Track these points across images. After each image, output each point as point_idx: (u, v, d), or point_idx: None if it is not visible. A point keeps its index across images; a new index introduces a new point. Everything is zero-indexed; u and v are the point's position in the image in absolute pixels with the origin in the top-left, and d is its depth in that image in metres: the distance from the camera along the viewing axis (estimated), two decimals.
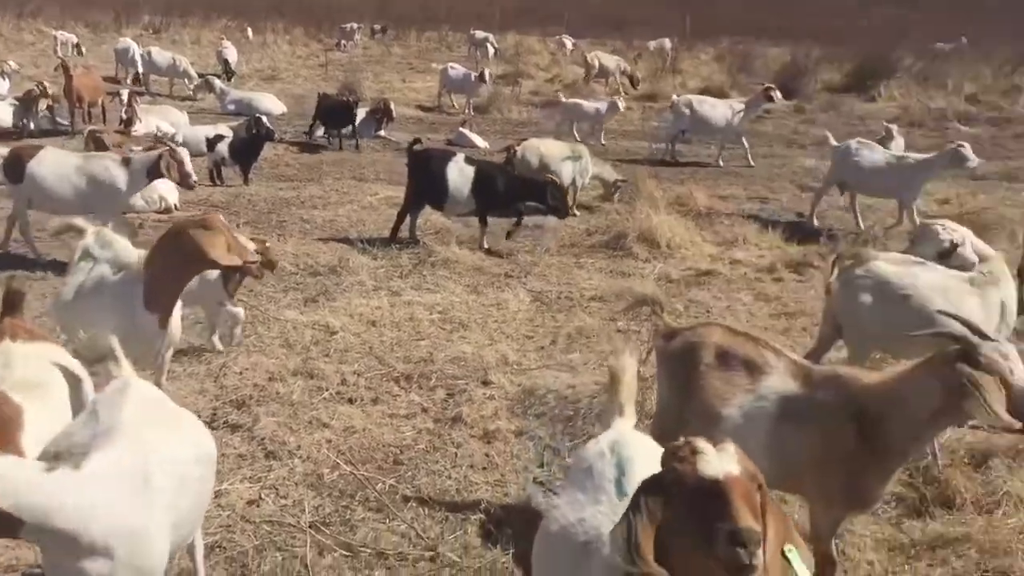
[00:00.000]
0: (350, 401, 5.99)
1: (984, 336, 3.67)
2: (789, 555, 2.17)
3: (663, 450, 2.28)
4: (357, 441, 5.49)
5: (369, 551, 4.42)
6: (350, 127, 15.25)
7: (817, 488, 3.89)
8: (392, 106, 16.33)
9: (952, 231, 6.26)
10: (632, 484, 2.68)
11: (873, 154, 10.69)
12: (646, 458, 2.83)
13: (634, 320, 7.49)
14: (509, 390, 6.20)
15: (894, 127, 13.30)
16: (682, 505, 2.10)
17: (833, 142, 11.22)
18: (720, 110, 15.17)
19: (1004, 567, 4.36)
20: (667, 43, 31.50)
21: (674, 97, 16.06)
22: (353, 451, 5.36)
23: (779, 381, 3.98)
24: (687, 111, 15.00)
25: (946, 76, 26.98)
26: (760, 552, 1.96)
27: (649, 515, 2.12)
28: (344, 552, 4.41)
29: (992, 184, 13.93)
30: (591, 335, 7.30)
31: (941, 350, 3.64)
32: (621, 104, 16.68)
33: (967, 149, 10.23)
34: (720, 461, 2.12)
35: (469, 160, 10.00)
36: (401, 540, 4.53)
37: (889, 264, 5.64)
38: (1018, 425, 3.39)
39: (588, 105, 16.79)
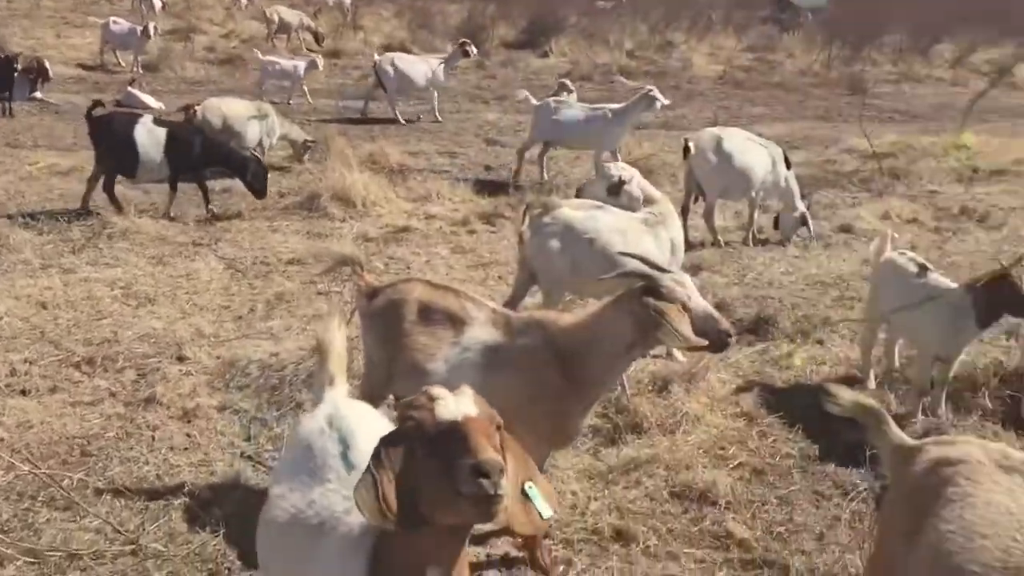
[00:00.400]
0: (23, 393, 5.42)
1: (662, 270, 3.99)
2: (529, 491, 2.21)
3: (400, 404, 2.26)
4: (35, 436, 4.97)
5: (59, 554, 4.01)
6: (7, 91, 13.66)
7: (526, 429, 4.02)
8: (48, 65, 14.82)
9: (622, 169, 6.70)
10: (359, 456, 2.63)
11: (572, 110, 11.22)
12: (367, 426, 2.79)
13: (335, 281, 7.39)
14: (208, 364, 5.89)
15: (567, 81, 14.03)
16: (425, 452, 2.08)
17: (533, 101, 11.60)
18: (421, 67, 15.22)
19: (688, 480, 4.80)
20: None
21: (376, 56, 15.82)
22: (31, 448, 4.85)
23: (481, 331, 4.08)
24: (391, 69, 14.87)
25: (608, 33, 28.91)
26: (504, 481, 1.97)
27: (392, 467, 2.09)
28: (29, 559, 3.98)
29: (652, 133, 15.13)
30: (291, 300, 7.11)
31: (628, 288, 3.90)
32: (320, 62, 16.29)
33: (656, 91, 11.01)
34: (457, 404, 2.13)
35: (159, 122, 9.32)
36: (96, 537, 4.16)
37: (573, 210, 5.96)
38: (704, 342, 3.75)
39: (286, 63, 16.22)
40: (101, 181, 9.14)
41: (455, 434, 2.05)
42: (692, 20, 33.36)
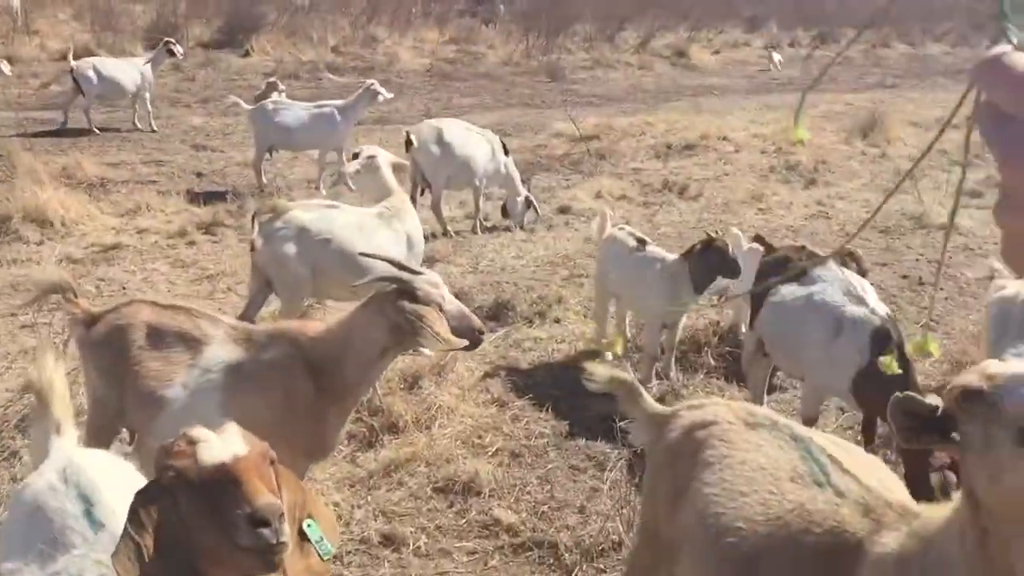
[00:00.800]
0: None
1: (414, 272, 3.90)
2: (308, 530, 2.06)
3: (158, 451, 2.01)
4: None
5: None
6: None
7: (282, 446, 3.78)
8: None
9: (372, 151, 6.52)
10: (107, 512, 2.36)
11: (293, 111, 10.78)
12: (109, 476, 2.50)
13: (41, 312, 6.64)
14: None
15: (276, 80, 13.57)
16: (192, 504, 1.86)
17: (244, 106, 11.02)
18: (127, 70, 13.98)
19: (450, 473, 4.79)
20: (15, 1, 28.17)
21: (72, 62, 14.30)
22: None
23: (221, 350, 3.80)
24: (93, 74, 13.52)
25: (309, 29, 28.34)
26: (285, 527, 1.82)
27: (152, 528, 1.85)
28: None
29: (368, 128, 14.96)
30: None
31: (379, 292, 3.78)
32: (6, 68, 14.61)
33: (377, 85, 10.85)
34: (224, 444, 1.93)
35: None
36: None
37: (305, 212, 5.75)
38: (463, 342, 3.71)
39: None
40: None
41: (224, 479, 1.87)
42: (393, 14, 33.48)
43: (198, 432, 1.98)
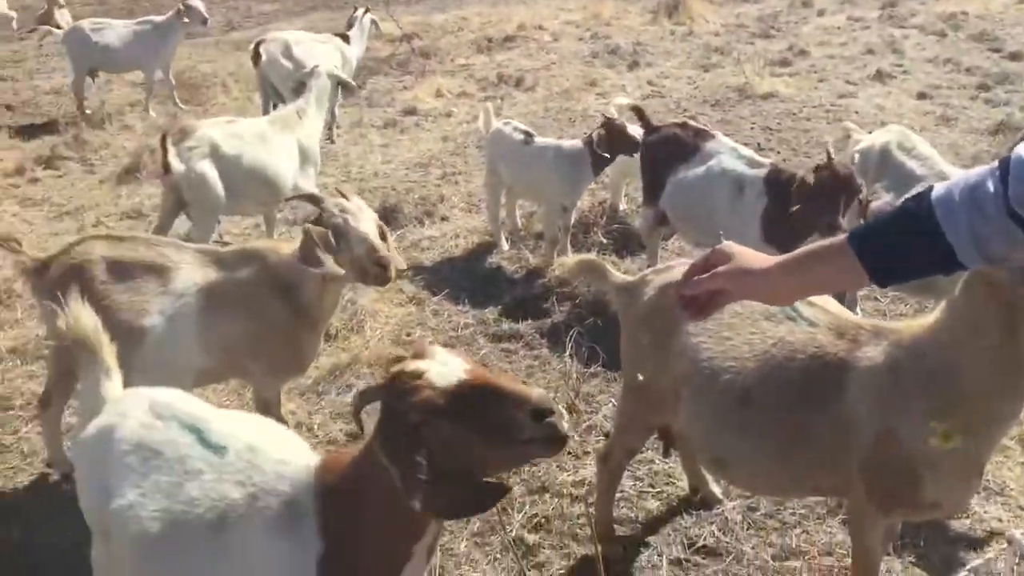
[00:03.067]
0: None
1: (321, 199, 3.90)
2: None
3: (384, 396, 2.00)
4: None
5: None
6: None
7: (261, 364, 3.96)
8: None
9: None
10: (222, 436, 2.43)
11: (113, 30, 10.13)
12: (197, 406, 2.57)
13: None
14: None
15: None
16: (457, 426, 1.92)
17: (57, 31, 10.20)
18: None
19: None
20: None
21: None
22: None
23: (193, 273, 3.86)
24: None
25: None
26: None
27: (424, 461, 1.94)
28: None
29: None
30: None
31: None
32: None
33: (195, 1, 10.33)
34: (444, 361, 1.98)
35: None
36: None
37: (213, 128, 5.83)
38: (339, 271, 3.67)
39: None
40: None
41: (478, 392, 1.93)
42: None
43: (409, 365, 1.99)
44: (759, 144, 8.31)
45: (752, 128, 8.94)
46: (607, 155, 5.84)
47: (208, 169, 5.63)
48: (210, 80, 11.69)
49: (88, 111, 10.21)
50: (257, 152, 5.75)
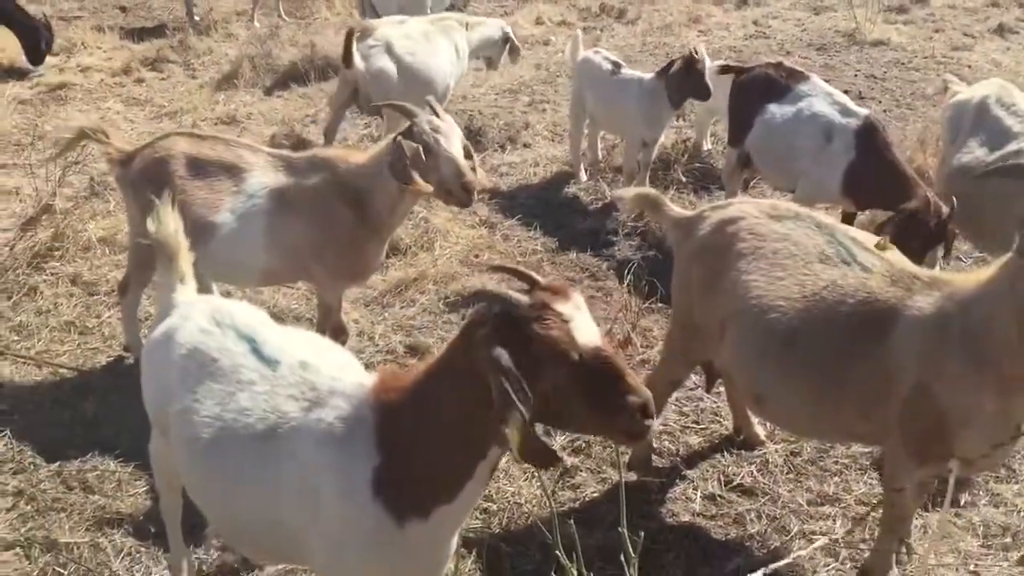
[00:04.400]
0: None
1: (415, 112, 3.89)
2: None
3: (526, 317, 2.01)
4: None
5: None
6: None
7: (324, 268, 4.08)
8: None
9: None
10: (276, 350, 2.49)
11: None
12: (257, 318, 2.65)
13: (9, 154, 6.61)
14: None
15: None
16: (572, 379, 1.99)
17: None
18: None
19: (457, 289, 5.14)
20: None
21: None
22: None
23: (264, 176, 3.99)
24: None
25: None
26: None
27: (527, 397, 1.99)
28: None
29: None
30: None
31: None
32: None
33: None
34: (590, 325, 2.03)
35: None
36: None
37: (390, 28, 6.36)
38: (428, 188, 3.74)
39: None
40: None
41: (607, 366, 2.00)
42: None
43: (564, 307, 2.01)
44: (860, 92, 8.02)
45: (856, 75, 8.62)
46: (679, 93, 5.72)
47: (386, 65, 6.16)
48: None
49: (197, 17, 10.45)
50: (425, 52, 6.31)
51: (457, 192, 3.81)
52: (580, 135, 6.52)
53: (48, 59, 8.69)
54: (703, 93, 5.75)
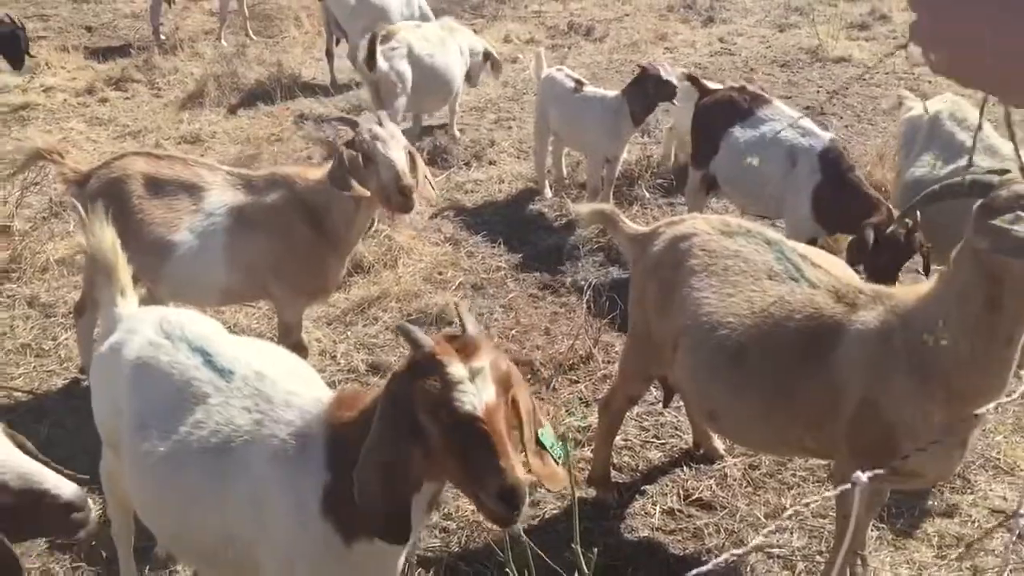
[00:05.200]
0: None
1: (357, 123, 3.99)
2: (542, 438, 2.18)
3: (409, 359, 2.06)
4: None
5: None
6: None
7: (284, 285, 4.08)
8: None
9: None
10: (230, 360, 2.47)
11: None
12: (208, 328, 2.62)
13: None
14: None
15: None
16: (444, 439, 1.98)
17: None
18: None
19: (420, 307, 5.14)
20: None
21: None
22: None
23: (223, 194, 3.99)
24: None
25: None
26: (525, 508, 1.95)
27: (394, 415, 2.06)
28: None
29: None
30: None
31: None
32: None
33: None
34: (479, 388, 1.97)
35: None
36: None
37: (409, 32, 6.74)
38: (366, 193, 3.79)
39: None
40: None
41: (479, 436, 1.94)
42: None
43: (454, 368, 1.98)
44: (822, 107, 8.11)
45: (818, 91, 8.72)
46: (645, 102, 5.78)
47: (405, 67, 6.55)
48: (284, 12, 11.78)
49: (163, 36, 10.42)
50: (441, 54, 6.81)
51: (396, 198, 3.80)
52: (545, 152, 6.55)
53: (8, 79, 8.63)
54: (669, 92, 5.78)
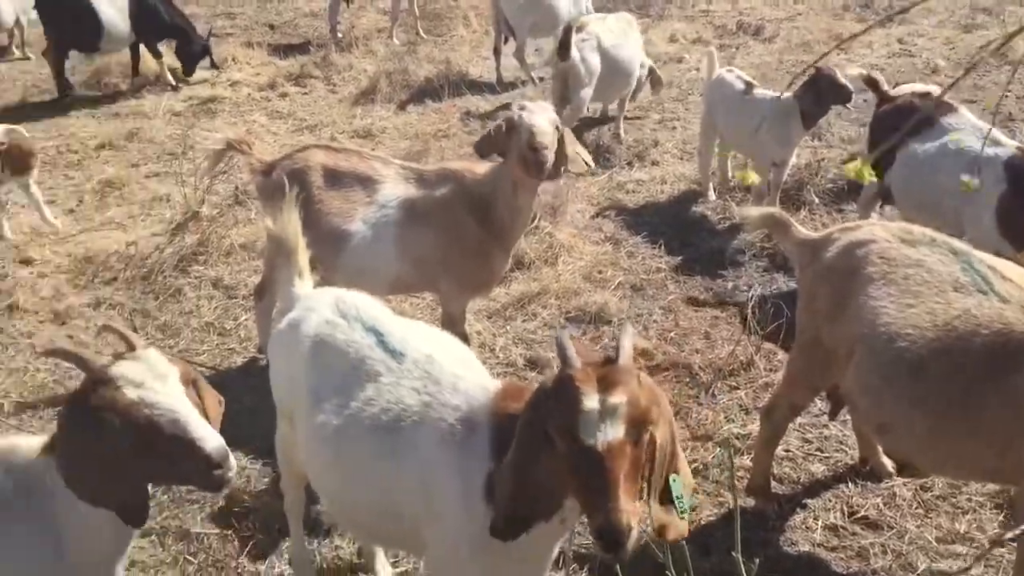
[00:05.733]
0: None
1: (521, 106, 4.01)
2: (672, 484, 2.15)
3: (555, 376, 2.09)
4: None
5: None
6: None
7: (451, 277, 4.18)
8: None
9: None
10: (396, 337, 2.57)
11: None
12: (381, 311, 2.72)
13: (163, 163, 7.04)
14: (59, 263, 5.55)
15: None
16: (565, 454, 2.01)
17: None
18: None
19: (580, 304, 5.15)
20: None
21: None
22: None
23: (396, 187, 4.13)
24: None
25: None
26: (630, 543, 1.92)
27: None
28: None
29: None
30: (120, 186, 6.68)
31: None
32: None
33: None
34: (606, 424, 1.97)
35: None
36: None
37: (598, 24, 7.02)
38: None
39: None
40: None
41: (595, 470, 1.95)
42: None
43: (587, 399, 1.99)
44: (1010, 114, 7.64)
45: (1007, 97, 8.20)
46: (817, 107, 5.60)
47: (597, 57, 6.84)
48: (453, 12, 12.05)
49: (339, 34, 10.85)
50: (625, 46, 7.10)
51: (528, 155, 3.78)
52: (710, 153, 6.44)
53: (201, 73, 9.20)
54: (843, 96, 5.60)
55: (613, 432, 1.96)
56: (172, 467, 2.10)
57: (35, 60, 9.97)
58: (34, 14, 9.76)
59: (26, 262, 5.55)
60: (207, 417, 2.18)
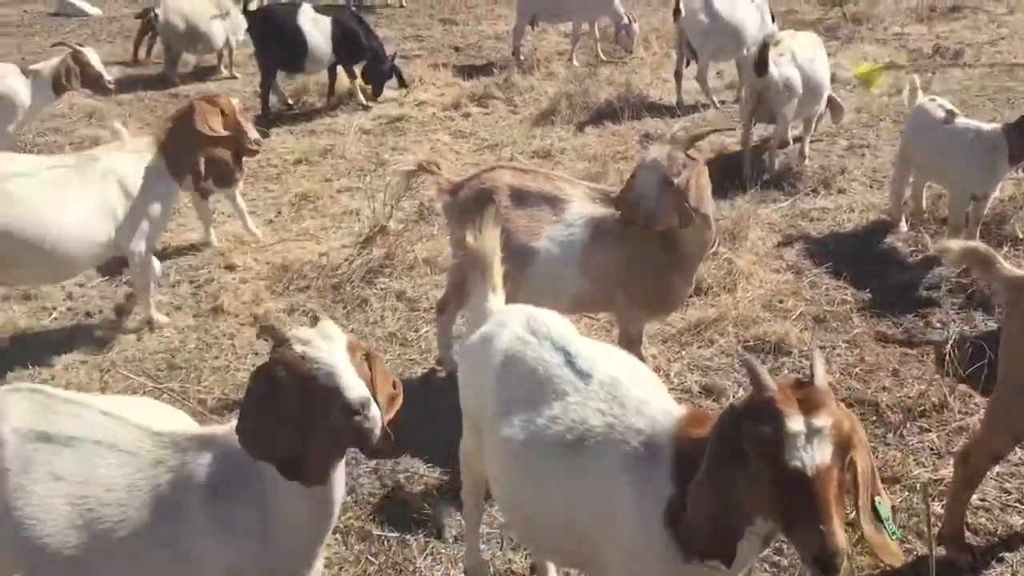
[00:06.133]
0: (87, 315, 5.44)
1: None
2: (879, 507, 2.12)
3: (748, 399, 2.08)
4: (118, 355, 5.00)
5: None
6: None
7: (631, 298, 4.19)
8: None
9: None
10: (584, 358, 2.60)
11: None
12: (569, 330, 2.76)
13: (353, 178, 7.38)
14: (259, 270, 5.90)
15: None
16: (768, 481, 1.98)
17: None
18: None
19: (759, 334, 5.03)
20: None
21: None
22: (116, 365, 4.88)
23: (582, 207, 4.17)
24: None
25: None
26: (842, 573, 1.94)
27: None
28: None
29: None
30: (315, 199, 7.05)
31: None
32: None
33: None
34: (814, 447, 1.94)
35: (319, 11, 9.31)
36: None
37: (790, 40, 7.10)
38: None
39: None
40: None
41: (805, 496, 1.92)
42: None
43: (792, 422, 1.96)
44: None
45: None
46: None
47: (794, 74, 6.84)
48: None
49: (522, 57, 11.07)
50: (817, 63, 7.06)
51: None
52: (904, 183, 6.16)
53: (389, 93, 9.60)
54: None
55: (821, 456, 1.93)
56: (325, 418, 2.18)
57: (241, 79, 10.70)
58: (243, 36, 10.53)
59: (230, 268, 5.94)
60: (374, 390, 2.25)
